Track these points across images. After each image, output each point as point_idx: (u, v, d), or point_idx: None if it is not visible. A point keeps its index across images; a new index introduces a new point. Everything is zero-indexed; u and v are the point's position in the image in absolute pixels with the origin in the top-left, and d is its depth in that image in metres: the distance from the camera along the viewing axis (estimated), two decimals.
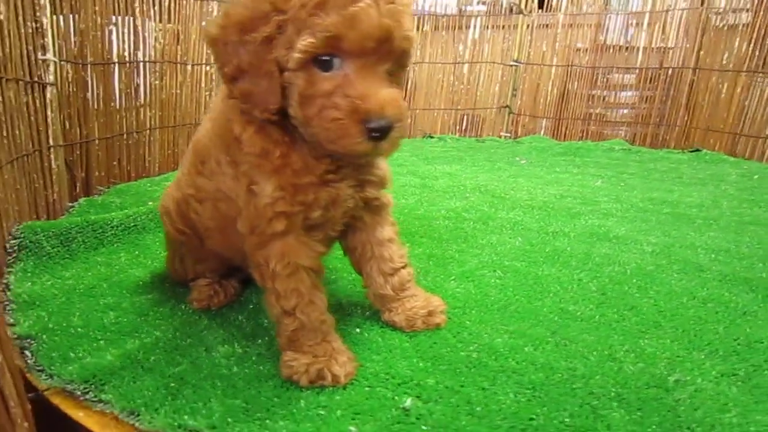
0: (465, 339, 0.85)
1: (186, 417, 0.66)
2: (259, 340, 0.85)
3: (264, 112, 0.68)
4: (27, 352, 0.82)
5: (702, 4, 2.66)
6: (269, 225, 0.73)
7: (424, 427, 0.65)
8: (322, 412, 0.68)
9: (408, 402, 0.69)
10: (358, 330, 0.88)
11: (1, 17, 1.30)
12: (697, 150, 2.59)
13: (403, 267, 0.90)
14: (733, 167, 2.28)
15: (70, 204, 1.61)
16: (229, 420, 0.66)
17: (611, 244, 1.30)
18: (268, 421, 0.66)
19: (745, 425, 0.66)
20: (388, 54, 0.65)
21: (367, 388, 0.72)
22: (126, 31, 1.90)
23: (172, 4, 2.08)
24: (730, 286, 1.07)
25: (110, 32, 1.83)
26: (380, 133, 0.63)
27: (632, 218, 1.51)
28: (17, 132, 1.36)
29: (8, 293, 1.01)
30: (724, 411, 0.68)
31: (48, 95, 1.53)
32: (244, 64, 0.66)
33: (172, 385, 0.73)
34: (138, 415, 0.68)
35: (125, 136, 1.95)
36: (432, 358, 0.79)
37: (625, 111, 2.96)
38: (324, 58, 0.64)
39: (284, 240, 0.75)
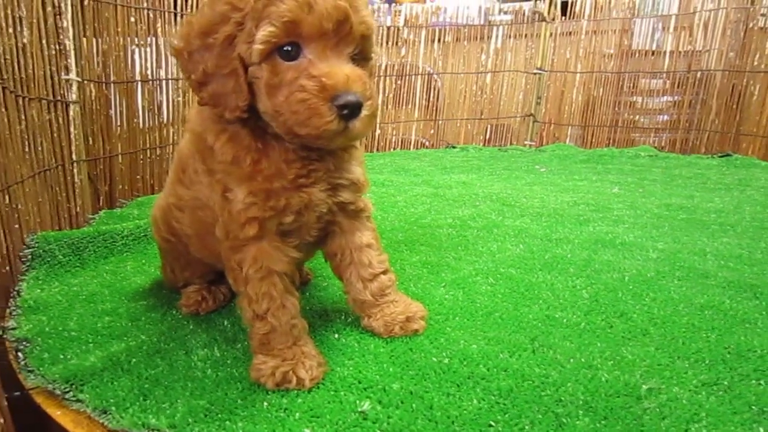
0: (440, 345, 0.84)
1: (151, 417, 0.68)
2: (239, 345, 0.87)
3: (234, 111, 0.70)
4: (20, 354, 0.86)
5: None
6: (242, 230, 0.75)
7: (378, 431, 0.65)
8: (282, 414, 0.68)
9: (366, 405, 0.69)
10: (336, 336, 0.88)
11: (25, 40, 1.39)
12: (728, 155, 2.49)
13: (383, 272, 0.90)
14: (764, 172, 2.17)
15: (92, 216, 1.68)
16: (190, 420, 0.67)
17: (615, 250, 1.26)
18: (227, 422, 0.67)
19: None
20: (348, 37, 0.67)
21: (331, 392, 0.73)
22: (148, 50, 1.99)
23: None
24: (733, 293, 1.02)
25: (133, 52, 1.92)
26: (349, 109, 0.65)
27: (643, 225, 1.47)
28: (40, 148, 1.44)
29: (17, 299, 1.06)
30: (694, 421, 0.65)
31: (71, 113, 1.61)
32: (210, 67, 0.69)
33: (146, 386, 0.75)
34: (108, 414, 0.70)
35: (148, 151, 2.03)
36: (403, 364, 0.79)
37: (655, 117, 2.88)
38: (286, 48, 0.66)
39: (257, 245, 0.76)
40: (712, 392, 0.72)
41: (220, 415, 0.69)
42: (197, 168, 0.81)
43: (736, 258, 1.20)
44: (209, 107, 0.72)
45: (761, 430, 0.65)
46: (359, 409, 0.68)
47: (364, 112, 0.67)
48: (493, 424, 0.66)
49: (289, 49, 0.66)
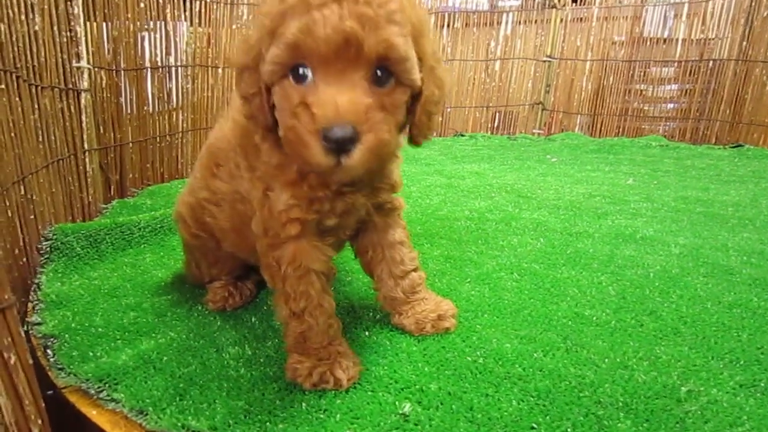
0: (473, 344, 0.84)
1: (190, 418, 0.68)
2: (269, 342, 0.86)
3: (262, 130, 0.69)
4: (49, 351, 0.85)
5: None
6: (283, 229, 0.73)
7: None
8: (322, 416, 0.68)
9: (407, 407, 0.68)
10: (366, 333, 0.88)
11: (37, 27, 1.36)
12: (740, 145, 2.48)
13: (414, 270, 0.89)
14: None
15: (104, 206, 1.67)
16: (230, 422, 0.67)
17: (637, 245, 1.26)
18: (268, 423, 0.67)
19: None
20: (358, 60, 0.59)
21: (369, 393, 0.72)
22: (158, 36, 1.96)
23: (203, 8, 2.13)
24: (760, 291, 1.02)
25: (143, 38, 1.89)
26: (335, 144, 0.57)
27: (662, 218, 1.46)
28: (53, 137, 1.42)
29: (39, 293, 1.05)
30: (737, 424, 0.65)
31: (82, 101, 1.59)
32: (247, 85, 0.67)
33: (181, 385, 0.75)
34: (146, 414, 0.70)
35: (158, 139, 2.01)
36: (437, 363, 0.79)
37: (664, 106, 2.86)
38: (298, 70, 0.61)
39: (297, 243, 0.75)
40: (751, 394, 0.72)
41: (259, 417, 0.68)
42: (239, 163, 0.79)
43: (759, 254, 1.20)
44: (252, 123, 0.71)
45: None
46: (400, 411, 0.68)
47: (359, 147, 0.58)
48: (535, 426, 0.66)
49: (300, 71, 0.61)
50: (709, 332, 0.87)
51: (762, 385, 0.74)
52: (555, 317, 0.93)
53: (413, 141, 0.72)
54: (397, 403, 0.70)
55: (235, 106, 0.80)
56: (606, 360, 0.80)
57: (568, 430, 0.65)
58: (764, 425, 0.65)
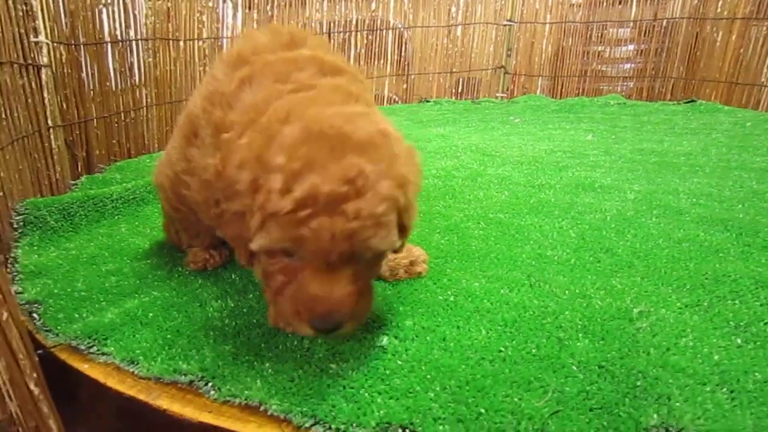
0: (444, 285, 0.89)
1: (180, 362, 0.72)
2: (251, 295, 0.90)
3: (242, 259, 0.72)
4: (35, 315, 0.88)
5: None
6: None
7: (399, 362, 0.70)
8: (306, 353, 0.73)
9: (384, 341, 0.74)
10: None
11: None
12: (692, 101, 2.58)
13: None
14: (726, 116, 2.28)
15: (73, 182, 1.66)
16: (220, 363, 0.71)
17: (595, 193, 1.33)
18: (255, 363, 0.71)
19: (700, 347, 0.70)
20: (349, 261, 0.62)
21: None
22: (116, 10, 1.92)
23: None
24: (706, 227, 1.10)
25: (100, 12, 1.86)
26: (326, 332, 0.63)
27: (619, 169, 1.54)
28: (16, 114, 1.40)
29: (16, 266, 1.06)
30: (682, 336, 0.72)
31: (43, 77, 1.57)
32: (227, 214, 0.69)
33: (169, 336, 0.79)
34: (137, 363, 0.73)
35: (123, 114, 1.99)
36: (411, 303, 0.84)
37: (622, 66, 2.95)
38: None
39: None
40: (695, 312, 0.79)
41: (247, 357, 0.72)
42: (207, 134, 0.81)
43: (707, 195, 1.28)
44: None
45: (738, 341, 0.72)
46: (378, 344, 0.73)
47: (344, 328, 0.63)
48: (503, 349, 0.72)
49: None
50: (660, 264, 0.95)
51: (705, 304, 0.81)
52: (519, 259, 0.99)
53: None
54: (374, 338, 0.75)
55: (212, 79, 0.83)
56: (566, 292, 0.86)
57: (533, 350, 0.72)
58: (705, 336, 0.73)
